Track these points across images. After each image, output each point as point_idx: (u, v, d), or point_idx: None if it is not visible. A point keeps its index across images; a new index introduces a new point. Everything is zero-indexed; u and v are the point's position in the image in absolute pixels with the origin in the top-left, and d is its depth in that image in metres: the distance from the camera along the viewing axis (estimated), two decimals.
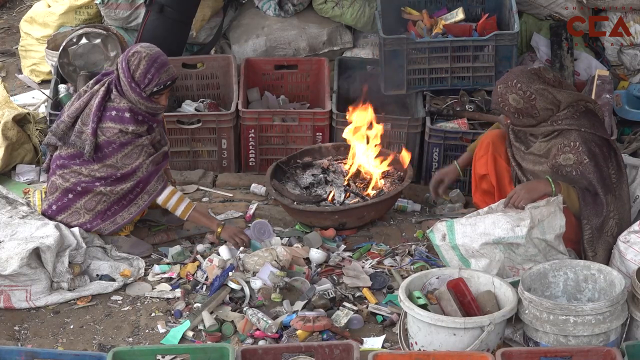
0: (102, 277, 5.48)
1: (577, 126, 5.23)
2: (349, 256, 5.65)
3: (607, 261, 5.17)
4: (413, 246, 5.74)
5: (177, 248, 5.71)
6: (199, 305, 5.23)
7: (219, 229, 5.67)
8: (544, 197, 5.17)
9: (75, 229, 5.52)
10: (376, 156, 6.07)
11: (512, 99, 5.24)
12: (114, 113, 5.49)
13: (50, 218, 5.59)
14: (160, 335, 5.11)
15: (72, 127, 5.56)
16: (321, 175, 6.09)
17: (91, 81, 5.69)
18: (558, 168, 5.23)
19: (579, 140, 5.20)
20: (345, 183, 6.02)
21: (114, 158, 5.50)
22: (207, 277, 5.42)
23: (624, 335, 4.76)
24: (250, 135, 6.52)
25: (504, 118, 5.44)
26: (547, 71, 5.34)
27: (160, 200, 5.61)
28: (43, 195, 5.74)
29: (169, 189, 5.62)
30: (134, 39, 6.99)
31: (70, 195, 5.57)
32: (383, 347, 4.99)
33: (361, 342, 5.00)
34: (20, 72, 7.73)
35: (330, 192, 5.95)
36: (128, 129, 5.47)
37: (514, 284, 4.84)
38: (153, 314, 5.26)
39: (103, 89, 5.53)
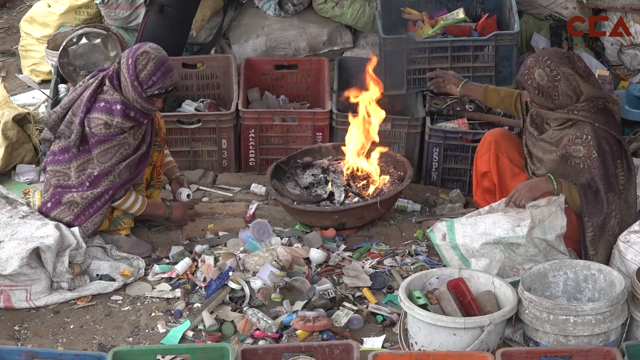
0: (102, 277, 5.48)
1: (591, 120, 5.21)
2: (349, 256, 5.65)
3: (608, 260, 5.17)
4: (413, 246, 5.73)
5: (177, 248, 5.72)
6: (199, 305, 5.23)
7: (169, 212, 5.80)
8: (545, 196, 5.17)
9: (75, 229, 5.52)
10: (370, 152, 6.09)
11: (537, 74, 5.23)
12: (102, 104, 5.48)
13: (46, 215, 5.60)
14: (160, 335, 5.11)
15: (64, 118, 5.58)
16: (321, 175, 6.09)
17: (87, 77, 5.71)
18: (567, 158, 5.22)
19: (592, 134, 5.19)
20: (345, 182, 6.02)
21: (93, 152, 5.49)
22: (204, 278, 5.42)
23: (624, 335, 4.76)
24: (250, 135, 6.52)
25: (525, 94, 5.43)
26: (580, 59, 5.32)
27: (114, 204, 5.60)
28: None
29: (125, 195, 5.61)
30: (134, 39, 6.99)
31: (59, 189, 5.60)
32: (383, 347, 4.99)
33: (361, 342, 5.00)
34: (20, 72, 7.73)
35: (330, 191, 5.95)
36: (113, 120, 5.45)
37: (514, 284, 4.84)
38: (153, 314, 5.26)
39: (96, 82, 5.54)
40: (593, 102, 5.25)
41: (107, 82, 5.52)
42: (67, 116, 5.57)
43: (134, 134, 5.53)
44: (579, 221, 5.24)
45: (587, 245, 5.22)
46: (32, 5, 7.90)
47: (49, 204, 5.63)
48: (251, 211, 6.09)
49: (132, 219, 5.74)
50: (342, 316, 5.11)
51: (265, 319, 5.05)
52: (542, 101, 5.28)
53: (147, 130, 5.64)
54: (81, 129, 5.49)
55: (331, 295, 5.23)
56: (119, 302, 5.37)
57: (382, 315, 5.18)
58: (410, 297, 4.79)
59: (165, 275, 5.53)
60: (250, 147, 6.55)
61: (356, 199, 5.91)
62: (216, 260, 5.57)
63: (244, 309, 5.18)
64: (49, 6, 7.58)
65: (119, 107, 5.47)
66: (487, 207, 5.28)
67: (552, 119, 5.31)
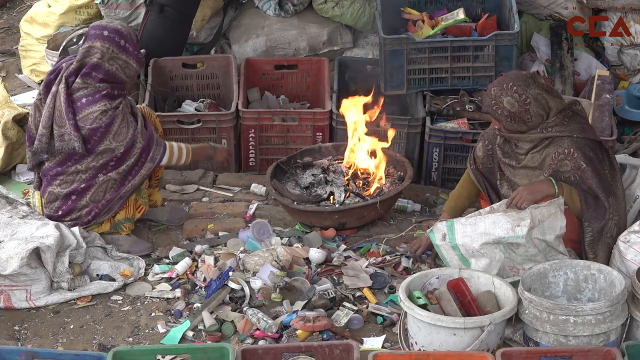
0: (102, 277, 5.48)
1: (568, 132, 5.20)
2: (355, 258, 5.63)
3: (607, 262, 5.17)
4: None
5: (177, 248, 5.72)
6: (199, 305, 5.23)
7: (213, 152, 5.94)
8: (547, 199, 5.16)
9: (75, 229, 5.52)
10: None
11: (506, 102, 5.20)
12: (86, 99, 5.46)
13: (60, 220, 5.57)
14: (160, 335, 5.11)
15: (52, 136, 5.52)
16: (321, 175, 6.09)
17: (39, 90, 5.63)
18: (556, 175, 5.21)
19: (573, 146, 5.18)
20: (345, 183, 6.02)
21: (106, 141, 5.48)
22: (204, 278, 5.43)
23: (624, 335, 4.76)
24: (250, 135, 6.52)
25: (492, 123, 5.41)
26: (540, 76, 5.33)
27: (163, 163, 5.66)
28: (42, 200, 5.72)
29: (167, 149, 5.67)
30: None
31: (74, 197, 5.57)
32: (383, 347, 4.99)
33: (361, 342, 5.00)
34: (20, 72, 7.73)
35: (330, 191, 5.95)
36: (105, 105, 5.45)
37: (514, 284, 4.84)
38: (153, 314, 5.26)
39: (62, 86, 5.48)
40: (562, 113, 5.24)
41: (79, 80, 5.48)
42: (55, 131, 5.50)
43: (125, 103, 5.55)
44: (580, 223, 5.24)
45: (587, 250, 5.21)
46: (32, 5, 7.90)
47: (60, 211, 5.59)
48: (251, 211, 6.09)
49: (132, 222, 5.75)
50: (342, 316, 5.11)
51: (265, 319, 5.05)
52: (515, 127, 5.25)
53: (131, 101, 5.71)
54: (79, 134, 5.46)
55: (331, 295, 5.23)
56: (119, 302, 5.37)
57: (382, 316, 5.18)
58: (410, 297, 4.79)
59: (165, 275, 5.53)
60: (250, 147, 6.56)
61: (357, 199, 5.92)
62: (216, 260, 5.58)
63: (244, 309, 5.18)
64: (49, 6, 7.57)
65: (104, 92, 5.46)
66: (487, 208, 5.28)
67: (526, 141, 5.29)
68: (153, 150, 5.60)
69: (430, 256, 5.55)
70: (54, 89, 5.51)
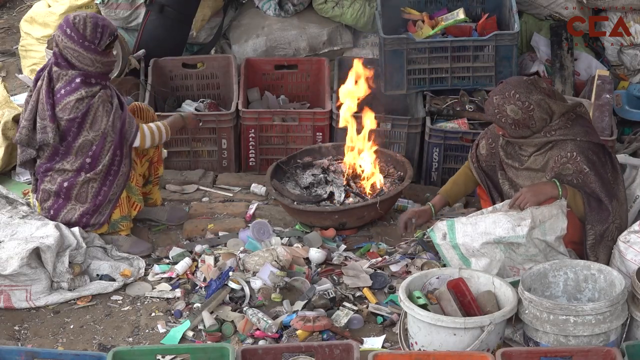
0: (102, 277, 5.48)
1: (572, 136, 5.20)
2: (355, 259, 5.63)
3: (608, 264, 5.16)
4: (412, 244, 5.73)
5: (177, 248, 5.72)
6: (199, 305, 5.23)
7: (185, 121, 5.97)
8: (550, 201, 5.15)
9: (76, 229, 5.52)
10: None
11: (510, 110, 5.19)
12: (64, 90, 5.47)
13: (53, 219, 5.57)
14: (160, 335, 5.11)
15: (35, 129, 5.54)
16: (321, 175, 6.09)
17: (31, 87, 5.66)
18: (558, 177, 5.20)
19: (576, 150, 5.17)
20: (345, 183, 6.02)
21: (84, 132, 5.48)
22: (204, 278, 5.43)
23: (624, 335, 4.76)
24: (250, 135, 6.52)
25: (496, 129, 5.40)
26: (541, 81, 5.32)
27: (136, 146, 5.63)
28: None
29: (140, 131, 5.63)
30: (134, 39, 7.00)
31: (62, 195, 5.58)
32: (383, 347, 4.99)
33: (361, 342, 5.00)
34: (20, 72, 7.73)
35: (331, 191, 5.95)
36: (81, 93, 5.45)
37: (514, 284, 4.84)
38: (153, 314, 5.26)
39: (45, 80, 5.51)
40: (566, 115, 5.24)
41: (54, 70, 5.49)
42: (38, 123, 5.52)
43: (105, 93, 5.53)
44: (582, 225, 5.23)
45: (588, 252, 5.21)
46: (32, 5, 7.89)
47: (51, 211, 5.60)
48: (251, 211, 6.09)
49: (130, 221, 5.74)
50: (342, 316, 5.11)
51: (265, 319, 5.05)
52: (520, 133, 5.25)
53: (117, 93, 5.64)
54: (55, 125, 5.46)
55: (331, 295, 5.23)
56: (119, 302, 5.37)
57: (382, 316, 5.18)
58: (410, 297, 4.79)
59: (165, 275, 5.53)
60: (250, 147, 6.56)
61: (356, 199, 5.91)
62: (216, 260, 5.58)
63: (244, 309, 5.18)
64: (49, 6, 7.57)
65: (78, 80, 5.47)
66: (490, 208, 5.28)
67: (530, 145, 5.29)
68: (127, 133, 5.57)
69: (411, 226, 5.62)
70: (39, 83, 5.55)
